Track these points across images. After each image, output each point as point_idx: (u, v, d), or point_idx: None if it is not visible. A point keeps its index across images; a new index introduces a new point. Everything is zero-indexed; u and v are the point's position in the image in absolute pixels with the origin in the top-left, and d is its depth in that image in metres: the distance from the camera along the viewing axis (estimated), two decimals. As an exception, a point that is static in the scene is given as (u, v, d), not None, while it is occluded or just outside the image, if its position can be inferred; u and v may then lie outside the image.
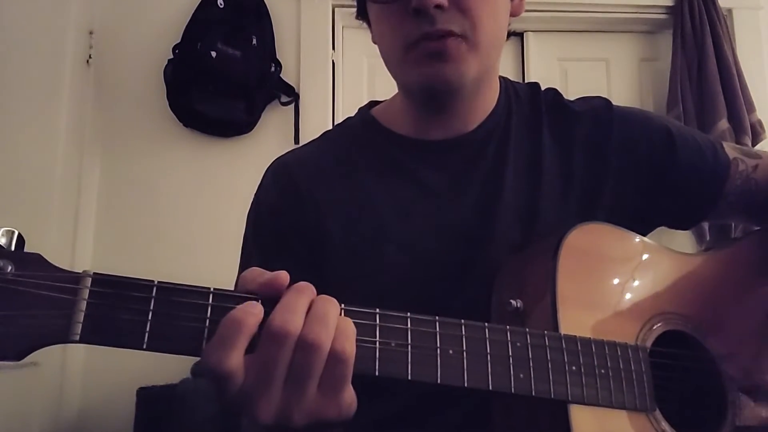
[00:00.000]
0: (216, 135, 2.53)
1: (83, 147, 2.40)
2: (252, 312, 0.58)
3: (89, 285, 0.56)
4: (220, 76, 2.43)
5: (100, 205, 2.46)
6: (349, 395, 0.62)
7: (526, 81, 1.15)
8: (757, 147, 2.57)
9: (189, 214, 2.46)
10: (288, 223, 0.94)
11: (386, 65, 0.93)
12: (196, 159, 2.52)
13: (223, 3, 2.51)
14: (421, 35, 0.82)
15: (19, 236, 0.56)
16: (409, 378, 0.64)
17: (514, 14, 0.94)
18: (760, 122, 2.62)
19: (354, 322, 0.62)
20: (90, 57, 2.49)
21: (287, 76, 2.57)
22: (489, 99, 0.97)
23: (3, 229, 0.55)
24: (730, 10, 2.82)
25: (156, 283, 0.58)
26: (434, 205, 0.92)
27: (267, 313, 0.59)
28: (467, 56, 0.84)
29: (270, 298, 0.60)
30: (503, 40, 0.92)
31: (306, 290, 0.61)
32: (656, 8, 2.82)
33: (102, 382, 2.29)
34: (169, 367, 2.03)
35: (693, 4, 2.70)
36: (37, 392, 2.09)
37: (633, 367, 0.78)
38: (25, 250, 0.56)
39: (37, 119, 2.15)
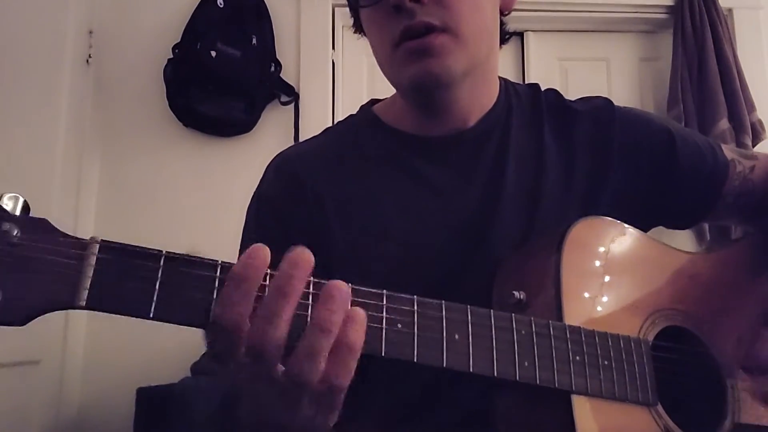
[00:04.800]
0: (216, 135, 2.53)
1: (83, 147, 2.40)
2: (253, 263, 0.57)
3: (96, 251, 0.55)
4: (220, 75, 2.44)
5: (99, 204, 2.45)
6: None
7: (526, 81, 1.15)
8: (758, 147, 2.58)
9: (188, 214, 2.46)
10: (290, 217, 0.94)
11: (380, 68, 0.94)
12: (196, 159, 2.51)
13: (222, 3, 2.51)
14: (403, 30, 0.83)
15: (25, 202, 0.55)
16: (415, 360, 0.64)
17: (504, 8, 0.94)
18: (760, 122, 2.62)
19: (360, 302, 0.62)
20: (90, 56, 2.48)
21: (287, 75, 2.57)
22: (486, 95, 0.97)
23: (8, 195, 0.54)
24: (730, 10, 2.82)
25: (164, 253, 0.57)
26: (436, 201, 0.92)
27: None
28: (452, 49, 0.84)
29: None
30: (492, 32, 0.93)
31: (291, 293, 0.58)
32: (656, 8, 2.82)
33: (102, 381, 2.29)
34: (169, 367, 2.03)
35: (693, 4, 2.70)
36: (36, 391, 2.08)
37: (635, 360, 0.78)
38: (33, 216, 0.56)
39: (37, 119, 2.14)
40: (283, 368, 0.57)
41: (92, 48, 2.50)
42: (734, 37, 2.76)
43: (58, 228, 0.56)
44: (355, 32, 1.00)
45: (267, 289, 0.57)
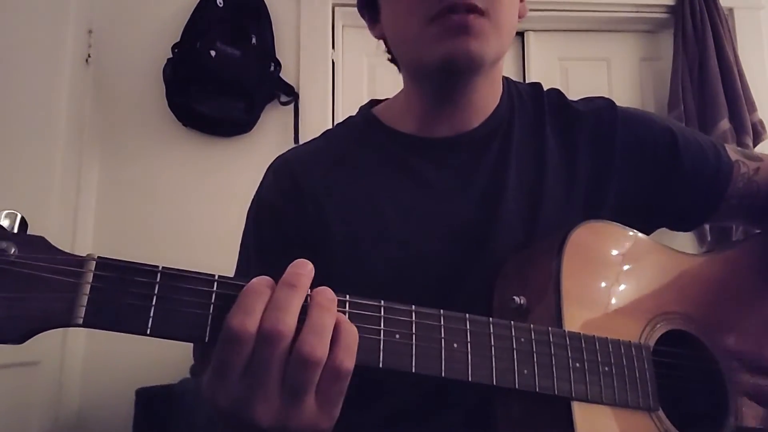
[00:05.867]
0: (215, 134, 2.53)
1: (82, 146, 2.40)
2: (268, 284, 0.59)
3: (93, 269, 0.55)
4: (220, 75, 2.44)
5: (99, 203, 2.45)
6: (339, 409, 0.62)
7: (527, 81, 1.15)
8: (758, 147, 2.58)
9: (188, 213, 2.46)
10: (288, 221, 0.94)
11: (399, 47, 0.93)
12: (196, 158, 2.51)
13: (222, 2, 2.51)
14: (445, 7, 0.81)
15: (22, 219, 0.55)
16: (414, 371, 0.64)
17: (519, 16, 0.94)
18: (761, 122, 2.62)
19: (358, 314, 0.62)
20: (89, 56, 2.48)
21: (287, 75, 2.57)
22: (493, 96, 0.96)
23: (6, 212, 0.55)
24: (731, 10, 2.82)
25: (161, 268, 0.58)
26: (437, 203, 0.91)
27: None
28: (489, 34, 0.83)
29: None
30: (515, 31, 0.92)
31: (298, 285, 0.60)
32: (657, 8, 2.82)
33: (101, 382, 2.29)
34: (169, 367, 2.03)
35: (694, 4, 2.70)
36: (36, 391, 2.08)
37: (636, 366, 0.77)
38: (30, 233, 0.56)
39: (36, 118, 2.14)
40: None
41: (92, 47, 2.50)
42: (735, 37, 2.76)
43: (55, 245, 0.56)
44: (359, 9, 0.99)
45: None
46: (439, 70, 0.87)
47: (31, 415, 2.06)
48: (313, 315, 0.59)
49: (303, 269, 0.61)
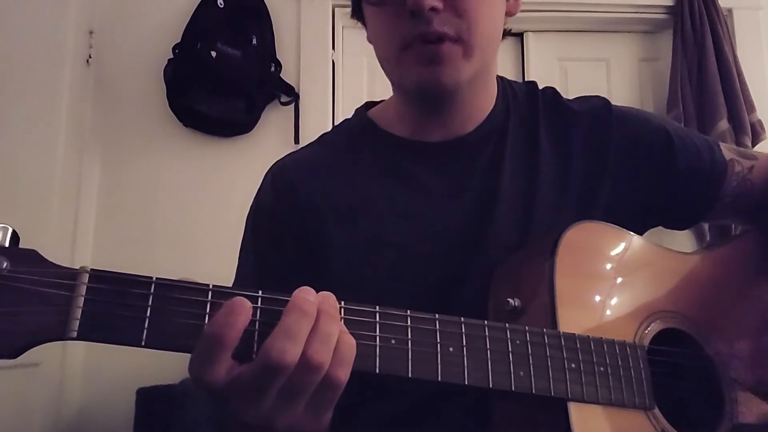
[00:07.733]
0: (216, 135, 2.53)
1: (83, 147, 2.41)
2: (232, 323, 0.57)
3: (86, 281, 0.55)
4: (220, 75, 2.44)
5: (99, 204, 2.46)
6: (329, 416, 0.63)
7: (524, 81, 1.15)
8: (757, 147, 2.57)
9: (189, 213, 2.47)
10: (286, 227, 0.94)
11: (381, 64, 0.93)
12: (196, 158, 2.52)
13: (223, 3, 2.51)
14: (417, 35, 0.82)
15: (14, 232, 0.55)
16: (410, 375, 0.64)
17: (509, 14, 0.93)
18: (760, 122, 2.62)
19: (354, 320, 0.63)
20: (90, 57, 2.49)
21: (287, 76, 2.58)
22: (487, 99, 0.97)
23: None
24: (730, 10, 2.81)
25: (154, 279, 0.58)
26: (432, 208, 0.92)
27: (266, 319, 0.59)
28: (461, 59, 0.84)
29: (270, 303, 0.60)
30: (499, 39, 0.92)
31: (309, 310, 0.59)
32: (656, 8, 2.81)
33: (102, 382, 2.29)
34: (169, 367, 2.03)
35: (693, 4, 2.70)
36: (37, 392, 2.09)
37: (632, 365, 0.78)
38: (22, 247, 0.55)
39: (37, 119, 2.14)
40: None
41: (92, 48, 2.50)
42: (734, 38, 2.76)
43: (48, 258, 0.55)
44: (352, 17, 0.99)
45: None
46: (416, 93, 0.90)
47: (32, 416, 2.07)
48: (320, 322, 0.59)
49: (310, 294, 0.60)
